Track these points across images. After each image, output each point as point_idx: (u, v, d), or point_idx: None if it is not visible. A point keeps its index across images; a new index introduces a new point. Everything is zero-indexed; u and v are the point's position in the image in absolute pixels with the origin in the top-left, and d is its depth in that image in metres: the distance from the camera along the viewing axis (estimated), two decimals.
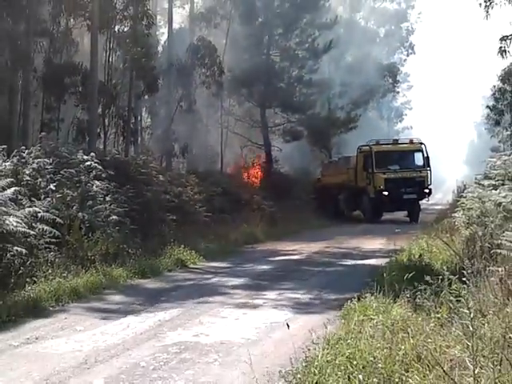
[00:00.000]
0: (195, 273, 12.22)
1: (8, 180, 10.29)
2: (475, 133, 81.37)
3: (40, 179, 12.01)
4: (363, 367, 4.67)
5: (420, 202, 26.09)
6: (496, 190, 9.90)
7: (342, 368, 4.73)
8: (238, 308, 8.41)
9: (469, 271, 5.72)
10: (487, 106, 31.67)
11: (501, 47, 17.91)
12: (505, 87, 25.91)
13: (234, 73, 29.06)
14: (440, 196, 37.12)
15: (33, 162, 12.40)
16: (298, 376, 4.87)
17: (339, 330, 6.25)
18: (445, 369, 3.95)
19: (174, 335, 6.86)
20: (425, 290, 6.02)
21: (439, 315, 5.44)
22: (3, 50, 19.33)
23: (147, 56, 21.98)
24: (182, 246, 13.68)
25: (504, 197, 8.90)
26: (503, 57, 18.19)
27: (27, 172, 11.86)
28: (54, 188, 11.77)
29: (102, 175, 13.42)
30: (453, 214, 13.97)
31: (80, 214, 11.59)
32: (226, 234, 17.07)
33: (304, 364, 5.12)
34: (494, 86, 29.62)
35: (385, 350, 4.91)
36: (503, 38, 17.89)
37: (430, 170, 25.97)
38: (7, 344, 6.50)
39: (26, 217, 9.59)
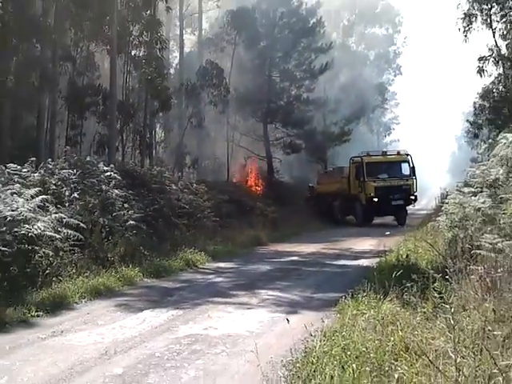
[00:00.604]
0: (204, 273, 12.18)
1: (36, 189, 10.35)
2: (456, 145, 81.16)
3: (65, 188, 12.05)
4: (356, 357, 4.66)
5: (407, 207, 26.07)
6: (475, 196, 9.87)
7: (338, 358, 4.72)
8: (243, 304, 8.40)
9: (451, 270, 5.73)
10: (467, 121, 31.61)
11: (479, 66, 18.03)
12: (484, 104, 25.92)
13: (238, 92, 29.18)
14: (425, 202, 36.99)
15: (58, 173, 12.45)
16: (298, 365, 4.86)
17: (334, 323, 6.24)
18: (430, 358, 3.95)
19: (185, 328, 6.85)
20: (412, 287, 6.03)
21: (425, 310, 5.42)
22: (32, 73, 19.48)
23: (161, 77, 22.07)
24: (193, 248, 13.66)
25: (483, 203, 8.87)
26: (481, 75, 18.33)
27: (53, 182, 11.90)
28: (77, 196, 11.81)
29: (121, 184, 13.46)
30: (436, 218, 13.89)
31: (101, 219, 11.62)
32: (233, 237, 17.05)
33: (303, 354, 5.11)
34: (474, 103, 29.63)
35: (376, 342, 4.90)
36: (481, 59, 18.01)
37: (416, 179, 25.98)
38: (36, 336, 6.51)
39: (52, 222, 9.62)
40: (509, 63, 17.35)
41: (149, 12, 21.94)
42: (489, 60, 17.90)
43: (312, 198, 30.28)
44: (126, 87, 22.76)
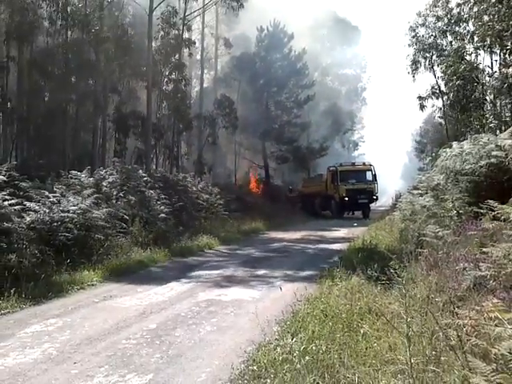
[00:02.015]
0: (217, 254, 12.11)
1: (91, 190, 10.38)
2: (407, 158, 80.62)
3: (113, 189, 12.06)
4: (332, 317, 4.68)
5: (370, 204, 26.06)
6: (422, 196, 9.90)
7: (318, 317, 4.73)
8: (246, 277, 8.39)
9: (403, 252, 5.73)
10: (415, 140, 31.73)
11: (420, 103, 18.11)
12: (427, 127, 26.04)
13: (243, 118, 29.07)
14: (384, 200, 36.89)
15: (108, 178, 12.46)
16: (288, 323, 4.88)
17: (315, 291, 6.24)
18: (387, 318, 3.95)
19: (203, 295, 6.86)
20: (373, 265, 6.03)
21: (383, 282, 5.43)
22: (88, 102, 19.55)
23: (184, 106, 22.18)
24: (208, 234, 13.62)
25: (427, 201, 8.89)
26: (422, 110, 18.48)
27: (104, 184, 11.91)
28: (122, 195, 11.83)
29: (155, 186, 13.47)
30: (392, 213, 13.94)
31: (140, 212, 11.64)
32: (238, 226, 16.97)
33: (292, 315, 5.12)
34: (421, 127, 29.70)
35: (347, 306, 4.91)
36: (420, 97, 18.08)
37: (377, 183, 25.96)
38: (91, 300, 6.54)
39: (103, 214, 9.64)
40: (445, 97, 17.39)
41: (176, 57, 21.96)
42: (427, 98, 17.98)
43: (295, 198, 30.16)
44: (158, 113, 22.78)
